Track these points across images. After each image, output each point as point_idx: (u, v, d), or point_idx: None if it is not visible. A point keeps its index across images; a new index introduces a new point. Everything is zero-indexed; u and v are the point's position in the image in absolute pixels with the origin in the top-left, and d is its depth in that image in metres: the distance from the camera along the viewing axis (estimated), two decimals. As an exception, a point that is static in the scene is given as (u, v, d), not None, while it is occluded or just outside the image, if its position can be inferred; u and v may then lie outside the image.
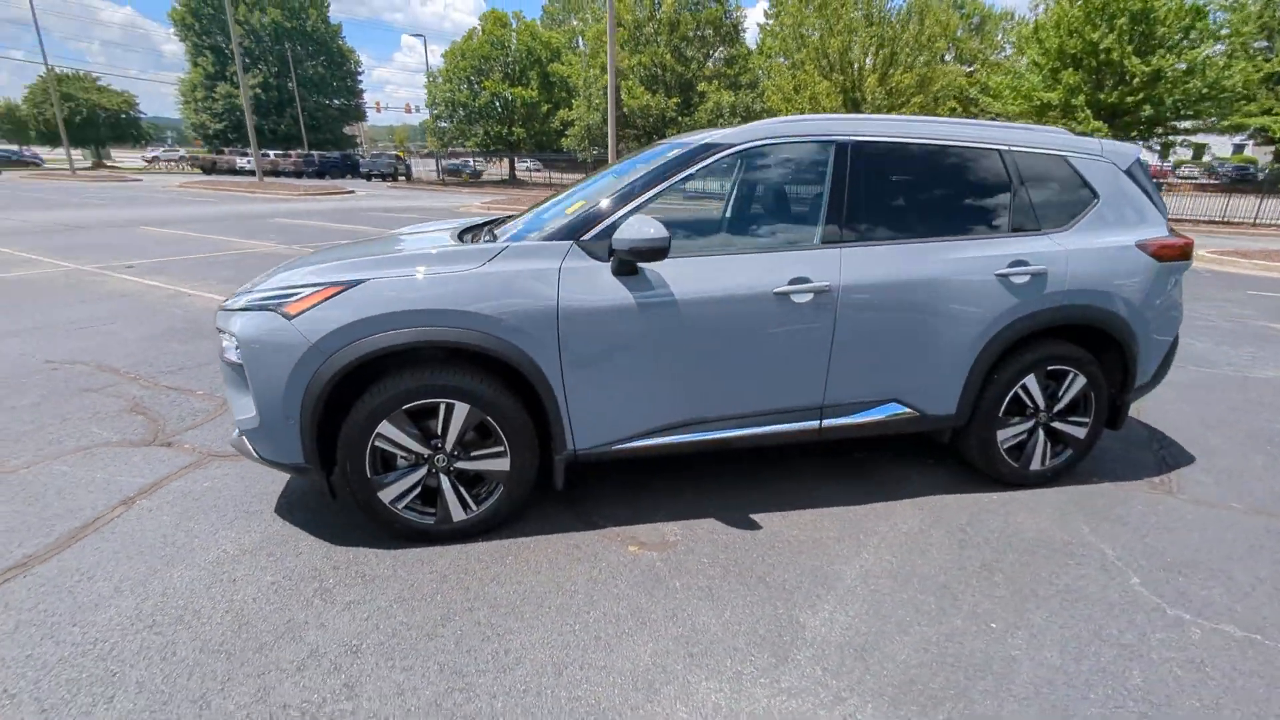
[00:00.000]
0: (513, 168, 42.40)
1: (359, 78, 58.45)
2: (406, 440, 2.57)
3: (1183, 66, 18.59)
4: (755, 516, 2.95)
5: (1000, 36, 29.32)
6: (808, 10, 25.25)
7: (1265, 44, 24.77)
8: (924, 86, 23.23)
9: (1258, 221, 18.02)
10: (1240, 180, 31.91)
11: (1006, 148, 2.94)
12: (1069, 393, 3.07)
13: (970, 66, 29.45)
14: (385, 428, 2.53)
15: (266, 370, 2.46)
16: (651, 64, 29.55)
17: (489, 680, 2.02)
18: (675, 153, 2.80)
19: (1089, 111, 19.16)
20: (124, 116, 61.99)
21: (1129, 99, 19.09)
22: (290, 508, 3.00)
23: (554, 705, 1.93)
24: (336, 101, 57.04)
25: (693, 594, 2.43)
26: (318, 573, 2.54)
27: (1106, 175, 3.04)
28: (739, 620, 2.29)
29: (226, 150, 48.08)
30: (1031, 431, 3.12)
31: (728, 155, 2.76)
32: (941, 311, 2.82)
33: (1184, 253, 3.09)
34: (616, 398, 2.67)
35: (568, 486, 3.16)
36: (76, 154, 49.06)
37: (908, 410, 2.95)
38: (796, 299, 2.69)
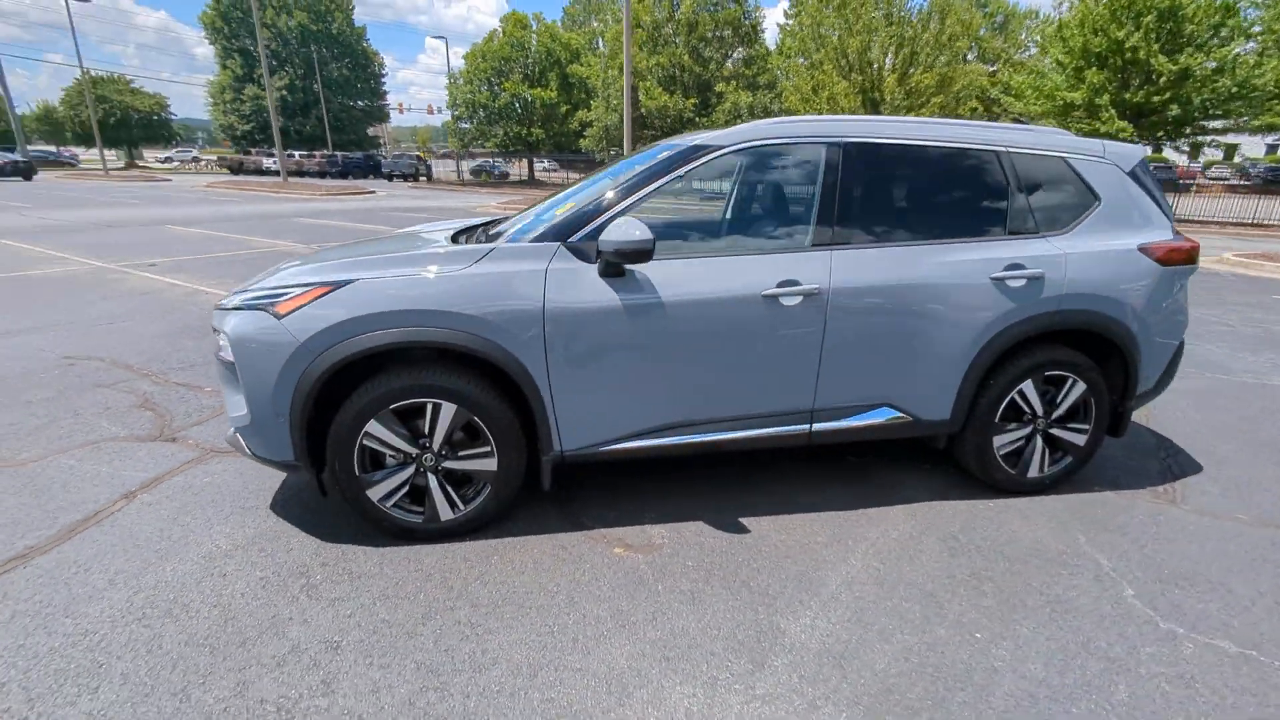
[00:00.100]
0: (531, 168, 42.64)
1: (382, 79, 59.23)
2: (394, 439, 2.59)
3: (1212, 65, 18.11)
4: (744, 520, 2.93)
5: (1024, 35, 28.81)
6: (827, 10, 25.05)
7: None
8: (944, 86, 22.90)
9: (1290, 224, 17.50)
10: (1273, 181, 31.01)
11: (1004, 149, 2.89)
12: (1068, 399, 3.01)
13: (993, 66, 29.00)
14: (373, 427, 2.56)
15: (257, 369, 2.50)
16: (669, 65, 29.53)
17: (464, 680, 2.03)
18: (665, 154, 2.79)
19: (1113, 111, 18.75)
20: (155, 118, 63.51)
21: (1155, 98, 18.65)
22: (286, 504, 3.04)
23: (526, 707, 1.93)
24: (360, 103, 57.88)
25: (675, 597, 2.42)
26: (306, 569, 2.57)
27: (1109, 177, 2.97)
28: (718, 625, 2.28)
29: (253, 151, 49.01)
30: (1029, 438, 3.06)
31: (717, 157, 2.74)
32: (934, 315, 2.78)
33: (1189, 257, 3.01)
34: (603, 399, 2.67)
35: (558, 487, 3.17)
36: (110, 154, 50.36)
37: (900, 415, 2.91)
38: (785, 301, 2.67)
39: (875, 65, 23.85)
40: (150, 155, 71.79)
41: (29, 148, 46.72)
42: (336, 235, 13.14)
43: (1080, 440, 3.08)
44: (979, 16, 26.24)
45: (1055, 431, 3.07)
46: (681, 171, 2.72)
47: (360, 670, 2.06)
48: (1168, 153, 27.20)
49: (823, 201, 2.76)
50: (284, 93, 50.89)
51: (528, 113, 37.14)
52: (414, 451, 2.64)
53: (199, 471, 3.35)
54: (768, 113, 28.44)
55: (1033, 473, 3.09)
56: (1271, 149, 50.01)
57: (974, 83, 24.00)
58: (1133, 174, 3.01)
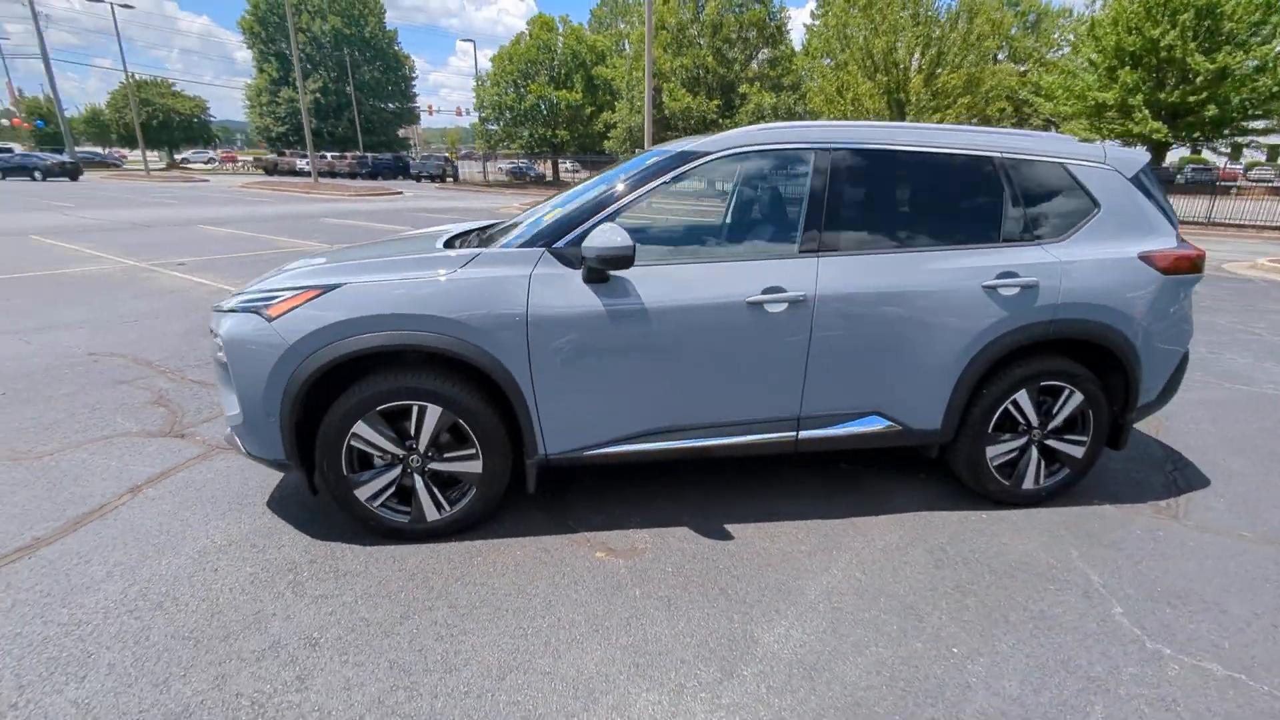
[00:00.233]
0: (556, 170, 42.93)
1: (413, 82, 60.14)
2: (381, 440, 2.64)
3: (1253, 64, 17.44)
4: (729, 526, 2.92)
5: (1057, 34, 28.06)
6: (853, 11, 24.76)
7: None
8: (972, 87, 22.46)
9: (1336, 228, 16.82)
10: (1321, 183, 29.77)
11: (999, 155, 2.84)
12: (1064, 410, 2.94)
13: (1024, 66, 28.32)
14: (360, 428, 2.61)
15: (248, 370, 2.57)
16: (694, 66, 29.49)
17: (434, 680, 2.06)
18: (652, 161, 2.80)
19: (1147, 111, 18.18)
20: (195, 120, 65.46)
21: (1192, 98, 18.03)
22: (282, 501, 3.11)
23: (491, 708, 1.95)
24: (391, 105, 58.85)
25: (651, 603, 2.43)
26: (294, 566, 2.63)
27: (1109, 183, 2.90)
28: (692, 632, 2.28)
29: (287, 153, 50.15)
30: (1024, 449, 3.00)
31: (703, 163, 2.74)
32: (924, 324, 2.74)
33: (1193, 265, 2.92)
34: (587, 404, 2.69)
35: (546, 490, 3.20)
36: (152, 155, 51.93)
37: (890, 424, 2.88)
38: (770, 309, 2.65)
39: (901, 66, 23.49)
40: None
41: (77, 149, 48.46)
42: (361, 236, 13.38)
43: (1078, 452, 3.01)
44: (1010, 15, 25.68)
45: (1052, 443, 3.00)
46: (667, 178, 2.72)
47: (335, 667, 2.10)
48: (1208, 154, 26.34)
49: (810, 208, 2.74)
50: (317, 95, 52.00)
51: (553, 114, 37.44)
52: (401, 453, 2.68)
53: (203, 468, 3.44)
54: (791, 114, 28.22)
55: (1028, 484, 3.03)
56: (1320, 150, 48.06)
57: (1003, 83, 23.48)
58: (1135, 180, 2.93)
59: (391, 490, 2.73)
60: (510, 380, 2.59)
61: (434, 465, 2.72)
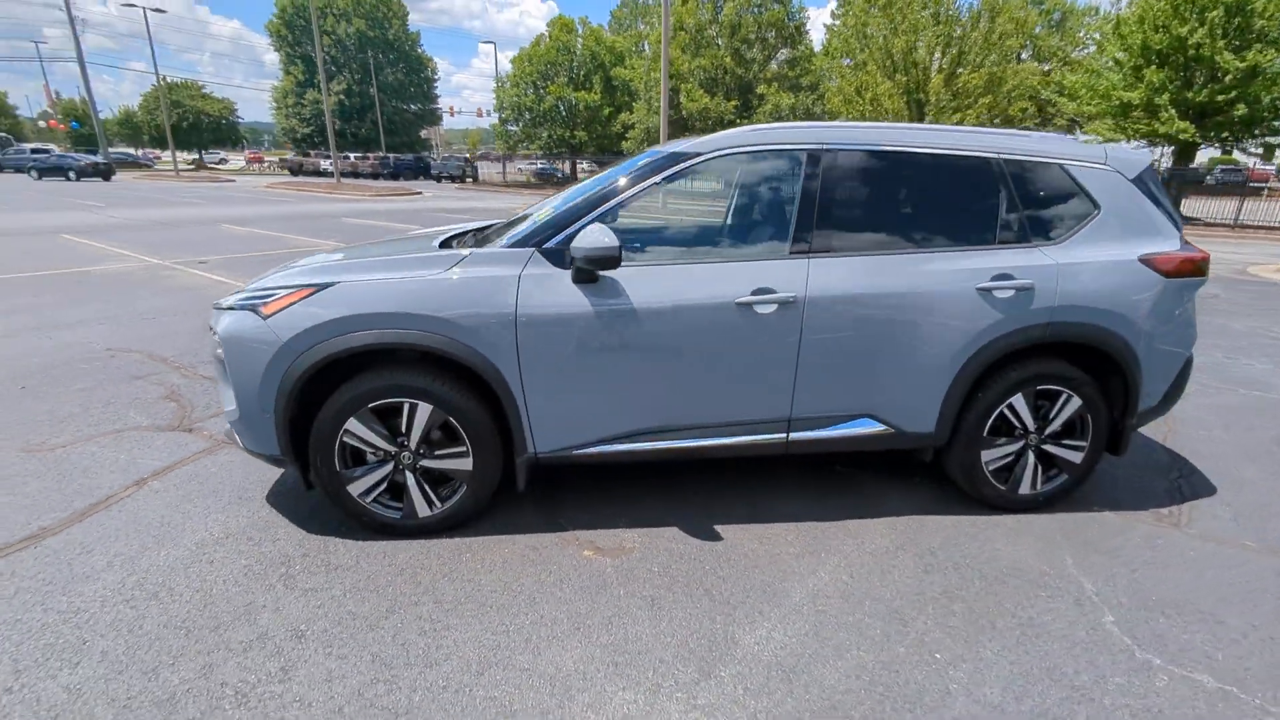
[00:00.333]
0: (574, 170, 43.13)
1: (434, 84, 60.81)
2: (373, 437, 2.68)
3: (1286, 61, 16.96)
4: (719, 527, 2.91)
5: (1083, 33, 27.47)
6: (873, 10, 24.51)
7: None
8: (993, 87, 22.10)
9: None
10: (1360, 185, 28.86)
11: (995, 155, 2.80)
12: (1062, 414, 2.89)
13: (1047, 65, 27.76)
14: (353, 424, 2.65)
15: (244, 366, 2.62)
16: (712, 67, 29.43)
17: (414, 674, 2.08)
18: (645, 162, 2.81)
19: (1173, 111, 17.73)
20: (224, 122, 66.78)
21: (1220, 97, 17.52)
22: (280, 496, 3.17)
23: (468, 703, 1.97)
24: (413, 106, 59.57)
25: (634, 602, 2.43)
26: (287, 559, 2.67)
27: (1110, 185, 2.84)
28: (673, 632, 2.28)
29: (312, 153, 50.97)
30: (1020, 454, 2.95)
31: (693, 165, 2.74)
32: (916, 326, 2.71)
33: (1197, 268, 2.86)
34: (576, 403, 2.70)
35: (540, 489, 3.22)
36: (182, 156, 53.03)
37: (882, 427, 2.85)
38: (760, 310, 2.64)
39: (920, 66, 23.19)
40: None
41: (110, 150, 49.68)
42: (378, 235, 13.55)
43: (1076, 458, 2.96)
44: (1034, 14, 25.23)
45: (1049, 448, 2.95)
46: (658, 179, 2.73)
47: (318, 659, 2.14)
48: (1239, 155, 25.66)
49: (801, 209, 2.73)
50: (341, 97, 52.78)
51: (571, 115, 37.62)
52: (392, 449, 2.71)
53: (208, 462, 3.51)
54: (809, 115, 28.04)
55: (1024, 490, 2.98)
56: (1361, 150, 46.50)
57: (1025, 82, 23.07)
58: (1138, 181, 2.87)
59: (383, 486, 2.77)
60: (500, 379, 2.62)
61: (425, 462, 2.75)
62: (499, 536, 2.85)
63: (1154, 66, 17.80)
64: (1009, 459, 2.96)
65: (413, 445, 2.71)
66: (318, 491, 2.86)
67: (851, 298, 2.68)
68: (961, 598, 2.46)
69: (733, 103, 29.54)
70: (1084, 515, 3.03)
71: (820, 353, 2.71)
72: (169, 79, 61.80)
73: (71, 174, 34.02)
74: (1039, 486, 2.99)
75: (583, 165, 41.71)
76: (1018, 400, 2.85)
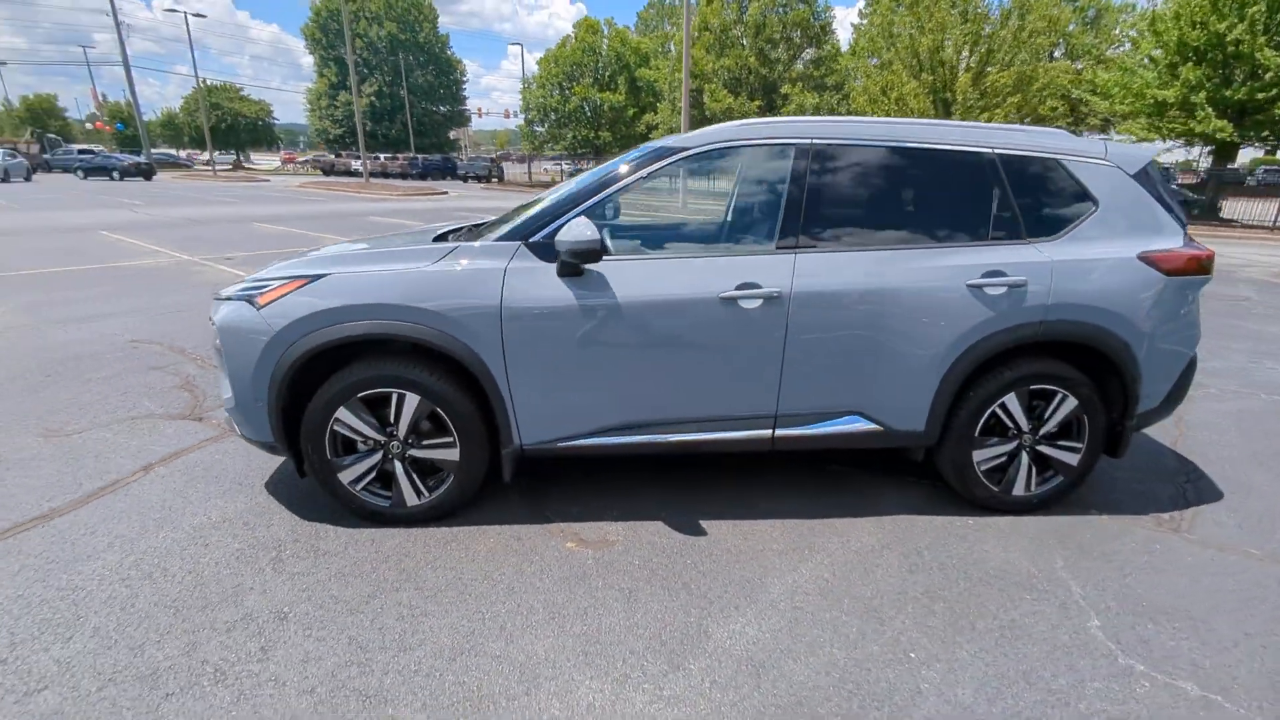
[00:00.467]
0: (598, 170, 43.26)
1: (463, 85, 61.59)
2: (362, 426, 2.73)
3: (1329, 59, 16.25)
4: (705, 523, 2.91)
5: (1118, 30, 26.68)
6: (899, 9, 24.13)
7: None
8: (1022, 85, 21.59)
9: None
10: None
11: (989, 150, 2.75)
12: (1057, 415, 2.83)
13: (1080, 63, 27.00)
14: (343, 413, 2.70)
15: (239, 355, 2.69)
16: (736, 67, 29.33)
17: (387, 658, 2.12)
18: (633, 157, 2.82)
19: (1210, 110, 17.12)
20: (260, 123, 68.50)
21: (1260, 95, 16.85)
22: (278, 483, 3.25)
23: (437, 687, 2.00)
24: (443, 108, 60.40)
25: (611, 594, 2.44)
26: (279, 544, 2.74)
27: (1109, 180, 2.77)
28: (646, 624, 2.29)
29: (343, 154, 51.99)
30: (1014, 454, 2.90)
31: (682, 159, 2.74)
32: (905, 323, 2.68)
33: (1200, 266, 2.77)
34: (560, 397, 2.72)
35: (531, 481, 3.25)
36: (220, 156, 54.50)
37: (871, 425, 2.82)
38: (744, 304, 2.63)
39: (948, 64, 22.78)
40: (257, 158, 77.56)
41: (153, 150, 51.24)
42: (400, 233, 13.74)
43: (1072, 459, 2.89)
44: (1068, 11, 24.61)
45: (1044, 449, 2.89)
46: (645, 173, 2.74)
47: (297, 641, 2.19)
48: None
49: (789, 204, 2.71)
50: (373, 98, 53.74)
51: (596, 116, 37.81)
52: (382, 439, 2.76)
53: (213, 449, 3.61)
54: (833, 114, 27.75)
55: (1018, 491, 2.92)
56: None
57: (1055, 81, 22.49)
58: (1139, 177, 2.80)
59: (373, 475, 2.82)
60: (485, 371, 2.65)
61: (413, 452, 2.79)
62: (485, 527, 2.88)
63: (1190, 63, 17.21)
64: (1002, 459, 2.91)
65: (401, 435, 2.75)
66: (312, 480, 2.93)
67: (838, 294, 2.66)
68: (944, 598, 2.42)
69: (756, 103, 29.41)
70: (1080, 518, 2.96)
71: (806, 349, 2.69)
72: (209, 82, 63.68)
73: (115, 174, 35.20)
74: (1033, 488, 2.93)
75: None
76: (1010, 400, 2.79)
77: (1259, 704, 1.95)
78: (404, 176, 42.91)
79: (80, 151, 40.42)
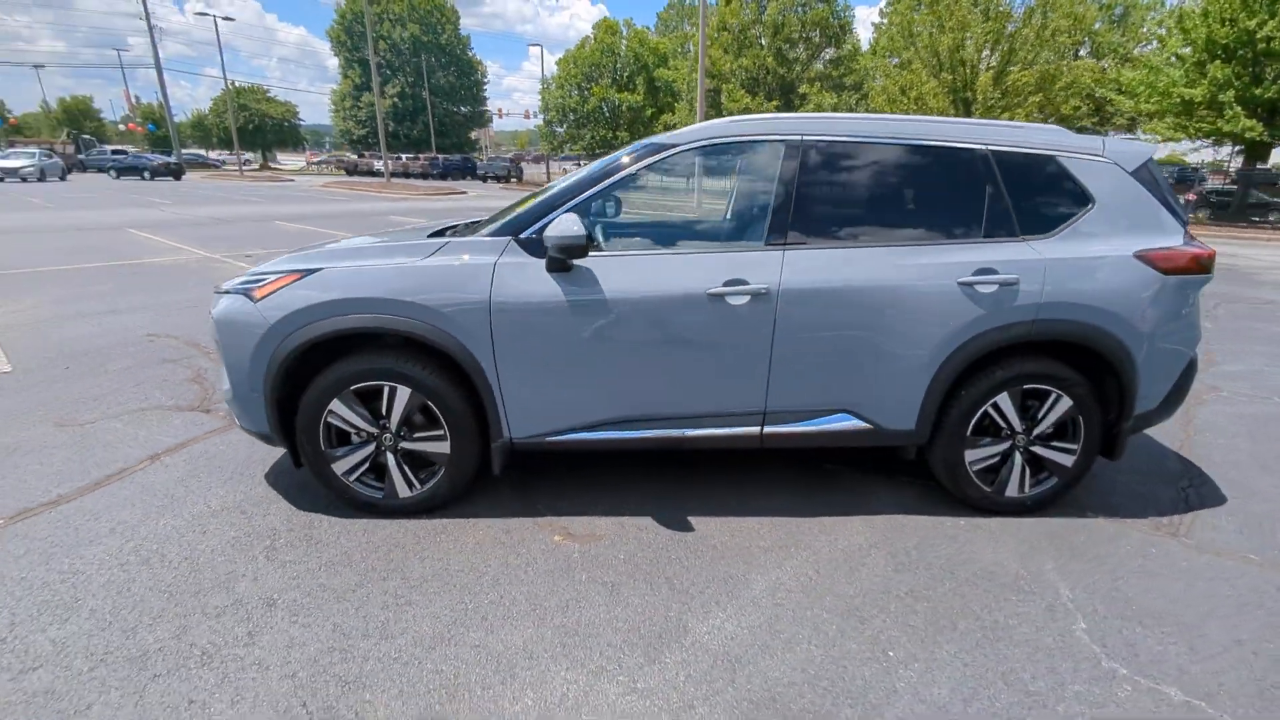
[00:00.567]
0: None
1: (484, 86, 62.14)
2: (355, 418, 2.77)
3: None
4: (694, 519, 2.91)
5: (1146, 29, 26.03)
6: (919, 8, 23.82)
7: None
8: (1045, 85, 21.18)
9: None
10: None
11: (983, 147, 2.72)
12: (1051, 415, 2.78)
13: (1104, 62, 26.39)
14: (336, 405, 2.75)
15: (236, 348, 2.75)
16: (753, 67, 29.21)
17: (369, 645, 2.16)
18: (624, 153, 2.83)
19: (1239, 109, 16.67)
20: (286, 124, 69.70)
21: (1291, 93, 16.39)
22: (278, 473, 3.31)
23: (415, 675, 2.03)
24: (463, 109, 60.97)
25: (594, 588, 2.46)
26: (274, 532, 2.80)
27: (1107, 178, 2.73)
28: (626, 618, 2.30)
29: (366, 154, 52.70)
30: (1007, 454, 2.86)
31: (671, 155, 2.75)
32: (895, 321, 2.66)
33: (1200, 265, 2.71)
34: (549, 391, 2.74)
35: (524, 475, 3.28)
36: (247, 156, 55.55)
37: (861, 423, 2.80)
38: (732, 301, 2.63)
39: (969, 64, 22.45)
40: (283, 158, 78.92)
41: (183, 151, 52.37)
42: (417, 233, 13.89)
43: (1067, 461, 2.84)
44: (1094, 9, 24.12)
45: (1038, 450, 2.85)
46: (634, 169, 2.75)
47: (283, 627, 2.23)
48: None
49: (778, 201, 2.70)
50: (395, 100, 54.44)
51: (614, 116, 37.93)
52: (374, 431, 2.81)
53: (218, 440, 3.70)
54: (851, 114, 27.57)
55: (1011, 492, 2.88)
56: None
57: (1079, 80, 22.02)
58: (1138, 174, 2.75)
59: (366, 466, 2.86)
60: (475, 365, 2.68)
61: (405, 444, 2.83)
62: (476, 519, 2.91)
63: (1219, 61, 16.77)
64: (995, 460, 2.87)
65: (393, 427, 2.79)
66: (300, 469, 2.98)
67: (827, 291, 2.65)
68: (927, 598, 2.40)
69: (774, 103, 29.28)
70: (1075, 521, 2.91)
71: (794, 346, 2.68)
72: (237, 84, 64.97)
73: (146, 173, 36.06)
74: (1027, 489, 2.89)
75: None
76: (1003, 399, 2.76)
77: (1243, 711, 1.91)
78: (425, 176, 43.35)
79: (113, 152, 41.52)
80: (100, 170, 39.36)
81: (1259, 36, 16.05)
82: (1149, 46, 23.97)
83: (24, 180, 29.91)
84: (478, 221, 3.56)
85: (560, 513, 2.97)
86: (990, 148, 2.72)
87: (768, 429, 2.81)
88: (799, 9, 29.15)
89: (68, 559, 2.58)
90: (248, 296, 2.75)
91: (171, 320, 6.26)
